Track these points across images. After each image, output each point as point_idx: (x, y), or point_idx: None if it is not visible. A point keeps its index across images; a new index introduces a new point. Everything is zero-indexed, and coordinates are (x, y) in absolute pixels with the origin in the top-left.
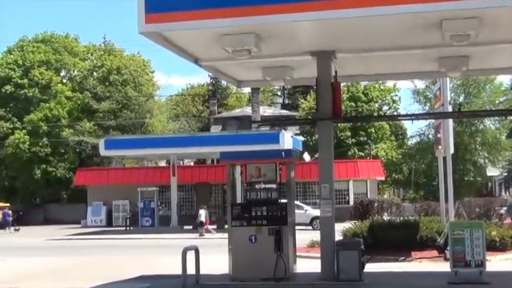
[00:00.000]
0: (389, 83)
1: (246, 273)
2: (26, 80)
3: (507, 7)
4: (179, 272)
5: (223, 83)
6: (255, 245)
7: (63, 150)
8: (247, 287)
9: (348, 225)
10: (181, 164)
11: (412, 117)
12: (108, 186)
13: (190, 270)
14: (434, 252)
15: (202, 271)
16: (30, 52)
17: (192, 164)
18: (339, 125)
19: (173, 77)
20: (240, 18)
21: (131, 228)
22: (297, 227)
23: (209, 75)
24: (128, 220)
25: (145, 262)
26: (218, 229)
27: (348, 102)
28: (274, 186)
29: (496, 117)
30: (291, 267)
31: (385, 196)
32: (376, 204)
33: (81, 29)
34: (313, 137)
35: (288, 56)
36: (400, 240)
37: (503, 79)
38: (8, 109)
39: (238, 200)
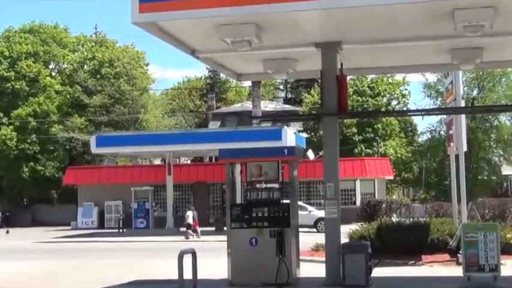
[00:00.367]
0: (399, 76)
1: (246, 278)
2: (12, 73)
3: None
4: (175, 276)
5: (222, 76)
6: (255, 248)
7: (52, 148)
8: None
9: (354, 227)
10: (178, 162)
11: (423, 113)
12: (99, 185)
13: (187, 274)
14: (446, 256)
15: (199, 276)
16: (17, 43)
17: (188, 162)
18: (345, 121)
19: (169, 70)
20: (240, 7)
21: (124, 230)
22: (300, 229)
23: (207, 68)
24: (120, 222)
25: (139, 266)
26: (217, 231)
27: (354, 96)
28: (276, 185)
29: None
30: (293, 271)
31: (394, 196)
32: (384, 205)
33: (71, 19)
34: (318, 134)
35: (291, 48)
36: (410, 243)
37: None
38: None
39: (238, 200)
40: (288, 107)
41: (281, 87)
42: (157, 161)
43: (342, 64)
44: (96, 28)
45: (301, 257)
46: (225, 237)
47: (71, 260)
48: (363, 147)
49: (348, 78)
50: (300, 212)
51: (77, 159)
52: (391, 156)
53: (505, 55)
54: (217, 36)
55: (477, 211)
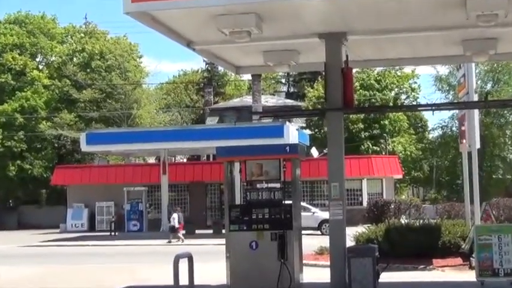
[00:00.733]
0: (407, 69)
1: (245, 284)
2: None
3: None
4: (170, 282)
5: (220, 69)
6: (255, 251)
7: (40, 146)
8: None
9: (361, 229)
10: (173, 161)
11: (433, 108)
12: (90, 186)
13: (184, 280)
14: (458, 260)
15: (196, 281)
16: (2, 34)
17: (185, 160)
18: (351, 116)
19: (163, 63)
20: None
21: (116, 233)
22: (303, 232)
23: (204, 61)
24: (112, 224)
25: (133, 272)
26: (215, 234)
27: (361, 90)
28: (277, 185)
29: None
30: (296, 276)
31: (403, 197)
32: (392, 206)
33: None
34: (322, 130)
35: (293, 39)
36: (420, 246)
37: None
38: None
39: (237, 201)
40: (290, 101)
41: (283, 80)
42: (152, 160)
43: (347, 56)
44: (86, 18)
45: (304, 261)
46: (223, 241)
47: (60, 266)
48: (370, 145)
49: (354, 71)
50: (303, 214)
51: (66, 157)
52: (400, 154)
53: None
54: (215, 26)
55: (491, 212)
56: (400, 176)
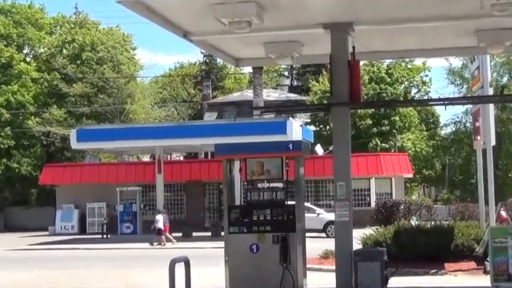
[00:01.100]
0: (418, 61)
1: None
2: None
3: None
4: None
5: (219, 61)
6: (256, 255)
7: (28, 143)
8: None
9: (368, 231)
10: (169, 159)
11: (446, 102)
12: (80, 185)
13: (180, 285)
14: (472, 264)
15: (193, 287)
16: None
17: (181, 158)
18: (358, 111)
19: (159, 55)
20: None
21: (109, 236)
22: (307, 234)
23: (202, 53)
24: (104, 226)
25: (127, 276)
26: (213, 236)
27: (370, 84)
28: (280, 185)
29: None
30: (300, 281)
31: (414, 197)
32: (402, 207)
33: None
34: (327, 126)
35: (296, 29)
36: (432, 249)
37: None
38: None
39: (237, 201)
40: (293, 96)
41: (286, 73)
42: (146, 158)
43: (353, 47)
44: (76, 8)
45: (308, 266)
46: (222, 244)
47: (50, 271)
48: (379, 142)
49: (361, 63)
50: (307, 215)
51: (55, 155)
52: (410, 151)
53: None
54: (213, 16)
55: (507, 213)
56: (410, 175)
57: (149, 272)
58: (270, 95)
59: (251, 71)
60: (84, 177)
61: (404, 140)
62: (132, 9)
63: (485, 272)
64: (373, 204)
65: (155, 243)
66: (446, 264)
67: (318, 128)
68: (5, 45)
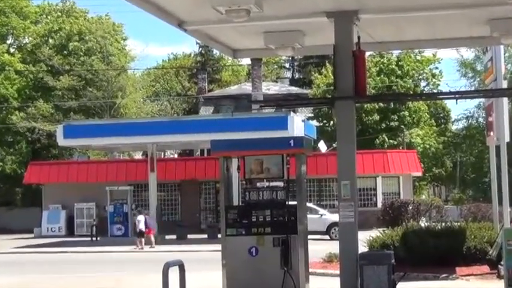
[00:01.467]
0: (428, 52)
1: None
2: None
3: None
4: None
5: (216, 52)
6: (256, 259)
7: (12, 139)
8: None
9: (375, 233)
10: (162, 157)
11: (457, 96)
12: (68, 184)
13: None
14: (485, 268)
15: None
16: None
17: (175, 156)
18: (364, 106)
19: (151, 46)
20: None
21: (98, 238)
22: (310, 236)
23: (197, 43)
24: (93, 228)
25: (118, 281)
26: (209, 239)
27: (379, 76)
28: (280, 184)
29: None
30: (302, 286)
31: (423, 196)
32: (410, 207)
33: None
34: (331, 122)
35: (298, 18)
36: (442, 252)
37: None
38: None
39: (235, 201)
40: (294, 89)
41: (286, 65)
42: (138, 155)
43: (359, 38)
44: None
45: (311, 270)
46: (219, 247)
47: (36, 275)
48: (386, 138)
49: (367, 54)
50: (309, 216)
51: (41, 153)
52: (419, 148)
53: None
54: (209, 4)
55: None
56: (419, 173)
57: (141, 277)
58: (270, 88)
59: (250, 62)
60: (72, 176)
61: (414, 136)
62: None
63: (499, 277)
64: (379, 204)
65: (141, 246)
66: (457, 269)
67: (321, 124)
68: None
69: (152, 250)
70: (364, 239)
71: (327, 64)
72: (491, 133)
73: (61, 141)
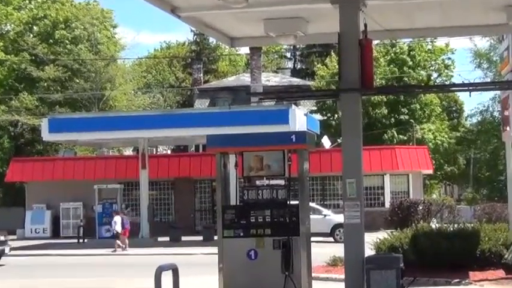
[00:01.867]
0: (440, 42)
1: None
2: None
3: None
4: None
5: (212, 41)
6: (254, 262)
7: None
8: None
9: (382, 235)
10: (155, 153)
11: (470, 88)
12: (53, 183)
13: None
14: (500, 272)
15: None
16: None
17: (169, 152)
18: (372, 98)
19: (143, 34)
20: None
21: (85, 240)
22: (313, 238)
23: (192, 31)
24: (80, 229)
25: (107, 287)
26: (205, 241)
27: (388, 66)
28: (281, 182)
29: None
30: None
31: (434, 196)
32: (421, 207)
33: None
34: (335, 115)
35: (300, 4)
36: (454, 255)
37: None
38: None
39: (233, 201)
40: (296, 80)
41: (288, 55)
42: (128, 151)
43: (365, 25)
44: None
45: (313, 274)
46: (215, 249)
47: (19, 280)
48: (395, 133)
49: (374, 43)
50: (312, 217)
51: (24, 148)
52: (431, 144)
53: None
54: None
55: None
56: (430, 171)
57: (132, 282)
58: (270, 79)
59: (248, 52)
60: (58, 174)
61: (426, 131)
62: None
63: None
64: (387, 204)
65: (118, 249)
66: (470, 273)
67: (324, 117)
68: None
69: (126, 253)
70: (371, 241)
71: (332, 54)
72: (508, 128)
73: (46, 136)
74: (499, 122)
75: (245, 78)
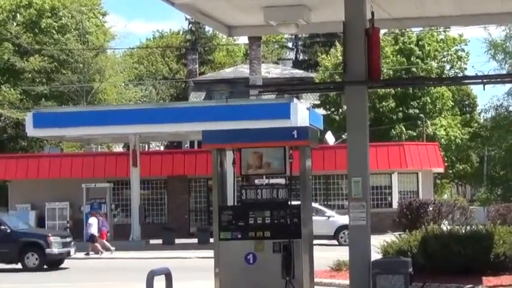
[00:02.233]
0: (454, 32)
1: None
2: None
3: None
4: None
5: (208, 29)
6: (253, 267)
7: None
8: None
9: (390, 237)
10: (147, 150)
11: (484, 80)
12: (38, 181)
13: None
14: None
15: None
16: None
17: (161, 149)
18: (379, 91)
19: (134, 22)
20: None
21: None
22: (316, 241)
23: (187, 19)
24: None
25: None
26: (200, 244)
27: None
28: (282, 181)
29: None
30: None
31: (445, 196)
32: (431, 208)
33: None
34: (340, 109)
35: None
36: (467, 259)
37: None
38: None
39: (230, 201)
40: (298, 72)
41: (289, 45)
42: (119, 148)
43: (372, 13)
44: None
45: (316, 280)
46: (211, 253)
47: (3, 286)
48: (403, 128)
49: (382, 32)
50: (315, 218)
51: (7, 145)
52: (442, 140)
53: None
54: None
55: None
56: (441, 170)
57: (123, 287)
58: (270, 71)
59: (247, 41)
60: (43, 172)
61: (437, 127)
62: None
63: None
64: (395, 204)
65: (91, 253)
66: (484, 278)
67: (328, 112)
68: None
69: (105, 257)
70: (378, 244)
71: (336, 44)
72: None
73: (30, 131)
74: None
75: (243, 70)
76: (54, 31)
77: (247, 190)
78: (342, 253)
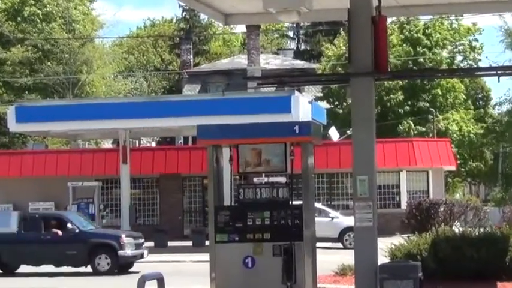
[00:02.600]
0: (466, 21)
1: None
2: None
3: None
4: None
5: (203, 17)
6: (252, 271)
7: None
8: None
9: (398, 240)
10: (137, 146)
11: (499, 72)
12: (21, 179)
13: None
14: None
15: None
16: None
17: (153, 145)
18: (385, 83)
19: (124, 9)
20: None
21: None
22: (319, 244)
23: (180, 6)
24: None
25: None
26: (195, 247)
27: (401, 46)
28: (282, 179)
29: None
30: None
31: (457, 196)
32: (442, 208)
33: None
34: (344, 103)
35: None
36: (480, 264)
37: None
38: None
39: (227, 201)
40: (300, 63)
41: (290, 34)
42: (107, 144)
43: (379, 1)
44: None
45: (319, 285)
46: (206, 256)
47: None
48: (412, 123)
49: (389, 20)
50: (318, 219)
51: None
52: (455, 136)
53: None
54: None
55: None
56: (453, 167)
57: None
58: (270, 62)
59: (245, 30)
60: (26, 169)
61: (450, 121)
62: None
63: None
64: (404, 205)
65: None
66: (499, 284)
67: (332, 106)
68: None
69: None
70: (385, 247)
71: (340, 33)
72: None
73: (12, 126)
74: None
75: (241, 61)
76: (38, 19)
77: (245, 189)
78: (347, 257)
